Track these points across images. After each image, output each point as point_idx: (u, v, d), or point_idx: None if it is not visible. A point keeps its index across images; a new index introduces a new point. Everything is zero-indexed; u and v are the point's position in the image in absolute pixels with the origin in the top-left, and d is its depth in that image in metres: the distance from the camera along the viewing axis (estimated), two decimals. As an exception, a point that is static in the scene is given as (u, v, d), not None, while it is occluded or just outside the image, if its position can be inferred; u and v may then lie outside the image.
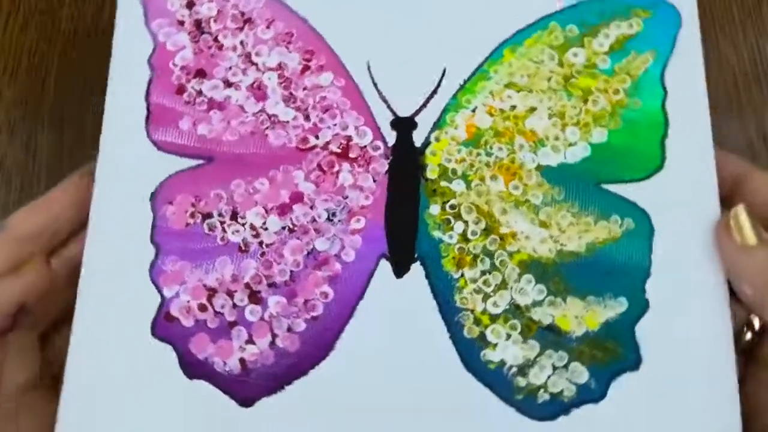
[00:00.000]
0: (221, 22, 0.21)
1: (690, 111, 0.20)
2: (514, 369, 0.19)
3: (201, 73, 0.21)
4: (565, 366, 0.19)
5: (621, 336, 0.19)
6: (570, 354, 0.19)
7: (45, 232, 0.19)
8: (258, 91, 0.21)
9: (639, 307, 0.19)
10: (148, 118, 0.20)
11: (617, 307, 0.19)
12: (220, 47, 0.21)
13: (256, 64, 0.21)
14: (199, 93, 0.21)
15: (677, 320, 0.19)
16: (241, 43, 0.21)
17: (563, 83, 0.21)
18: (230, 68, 0.21)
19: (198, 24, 0.21)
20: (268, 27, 0.21)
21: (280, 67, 0.21)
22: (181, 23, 0.21)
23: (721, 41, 0.27)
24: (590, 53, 0.21)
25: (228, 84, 0.21)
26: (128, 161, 0.20)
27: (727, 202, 0.20)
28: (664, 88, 0.21)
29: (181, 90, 0.21)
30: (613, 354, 0.19)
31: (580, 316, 0.19)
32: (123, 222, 0.20)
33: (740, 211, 0.19)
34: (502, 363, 0.19)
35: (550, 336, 0.19)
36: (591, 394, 0.19)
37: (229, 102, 0.21)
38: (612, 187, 0.20)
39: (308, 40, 0.21)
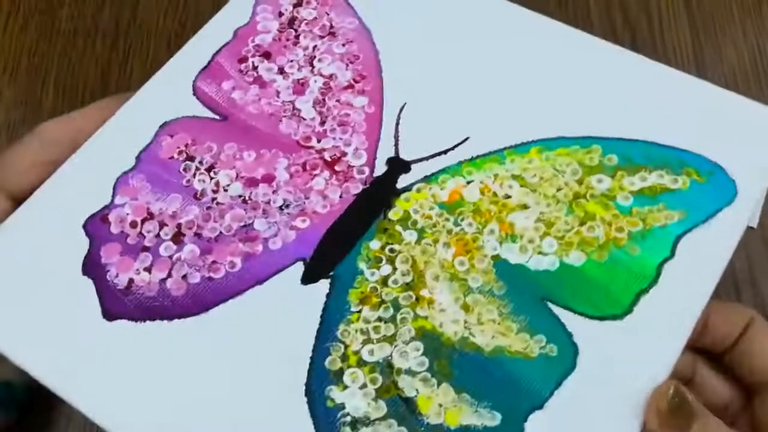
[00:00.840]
0: (311, 26, 0.39)
1: (689, 287, 0.30)
2: (348, 418, 0.30)
3: (266, 55, 0.41)
4: None
5: None
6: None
7: (66, 140, 0.36)
8: (300, 86, 0.40)
9: (510, 430, 0.31)
10: (204, 68, 0.38)
11: (488, 419, 0.30)
12: (296, 43, 0.40)
13: (313, 67, 0.40)
14: (255, 68, 0.41)
15: None
16: (314, 47, 0.39)
17: (570, 199, 0.33)
18: (291, 61, 0.40)
19: (292, 21, 0.39)
20: (343, 45, 0.38)
21: (331, 77, 0.38)
22: (281, 14, 0.40)
23: (721, 41, 0.36)
24: (616, 185, 0.33)
25: (281, 71, 0.41)
26: (162, 95, 0.37)
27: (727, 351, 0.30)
28: (673, 252, 0.32)
29: (243, 60, 0.40)
30: None
31: (445, 406, 0.32)
32: (123, 138, 0.35)
33: (681, 390, 0.28)
34: (341, 406, 0.30)
35: (402, 409, 0.31)
36: None
37: (271, 84, 0.40)
38: (559, 311, 0.32)
39: (368, 68, 0.37)
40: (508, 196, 0.33)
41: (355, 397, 0.30)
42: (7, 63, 0.47)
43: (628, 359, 0.29)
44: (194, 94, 0.36)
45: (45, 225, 0.33)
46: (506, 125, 0.35)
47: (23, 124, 0.45)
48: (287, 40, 0.37)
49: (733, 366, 0.31)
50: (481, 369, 0.30)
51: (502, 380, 0.29)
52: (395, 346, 0.30)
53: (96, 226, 0.34)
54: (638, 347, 0.29)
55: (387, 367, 0.30)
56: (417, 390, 0.29)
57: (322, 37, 0.37)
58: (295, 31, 0.38)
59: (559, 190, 0.32)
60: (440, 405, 0.29)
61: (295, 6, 0.38)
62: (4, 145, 0.46)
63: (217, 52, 0.38)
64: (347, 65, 0.37)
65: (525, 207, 0.32)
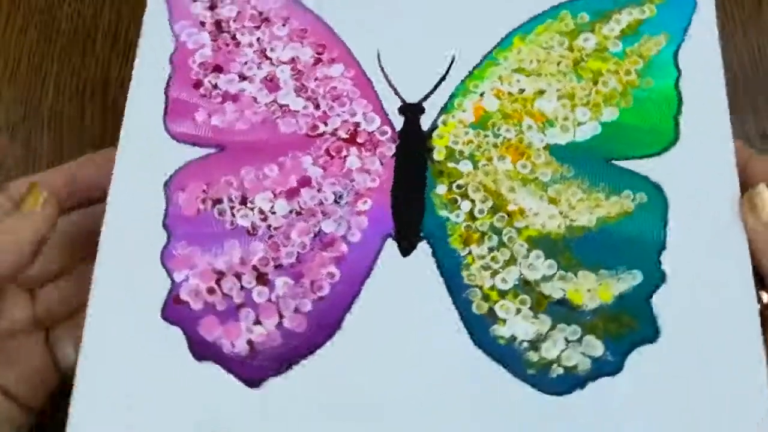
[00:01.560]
0: (240, 21, 0.37)
1: (705, 89, 0.33)
2: (526, 344, 0.32)
3: (218, 69, 0.38)
4: (579, 340, 0.31)
5: (636, 308, 0.32)
6: (583, 328, 0.31)
7: (64, 186, 0.34)
8: (270, 83, 0.38)
9: (654, 279, 0.32)
10: (166, 111, 0.36)
11: (630, 279, 0.33)
12: (237, 44, 0.37)
13: (270, 59, 0.37)
14: (215, 86, 0.38)
15: (697, 291, 0.31)
16: (258, 40, 0.36)
17: (573, 67, 0.35)
18: (246, 63, 0.38)
19: (218, 24, 0.37)
20: (283, 24, 0.37)
21: (293, 60, 0.36)
22: (203, 24, 0.37)
23: (722, 41, 0.43)
24: (601, 38, 0.35)
25: (243, 77, 0.38)
26: (145, 152, 0.34)
27: None
28: (678, 68, 0.34)
29: (198, 84, 0.37)
30: (628, 326, 0.33)
31: (593, 289, 0.34)
32: (138, 209, 0.33)
33: (762, 190, 0.31)
34: (513, 338, 0.32)
35: (562, 310, 0.32)
36: (607, 367, 0.31)
37: (242, 94, 0.38)
38: (624, 164, 0.34)
39: (321, 35, 0.37)
40: (522, 90, 0.35)
41: (517, 323, 0.32)
42: (7, 63, 0.47)
43: (701, 172, 0.33)
44: (174, 139, 0.34)
45: (121, 337, 0.32)
46: (477, 29, 0.36)
47: (23, 124, 0.44)
48: (227, 45, 0.36)
49: None
50: (599, 244, 0.32)
51: (621, 243, 0.32)
52: (519, 264, 0.32)
53: (175, 311, 0.32)
54: (701, 162, 0.33)
55: (525, 284, 0.32)
56: (562, 289, 0.32)
57: (258, 27, 0.37)
58: (229, 33, 0.37)
59: (558, 63, 0.35)
60: (589, 290, 0.32)
61: (211, 9, 0.37)
62: (4, 145, 0.45)
63: (167, 88, 0.36)
64: (301, 42, 0.36)
65: (542, 92, 0.34)
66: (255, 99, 0.35)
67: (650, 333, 0.31)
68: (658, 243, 0.32)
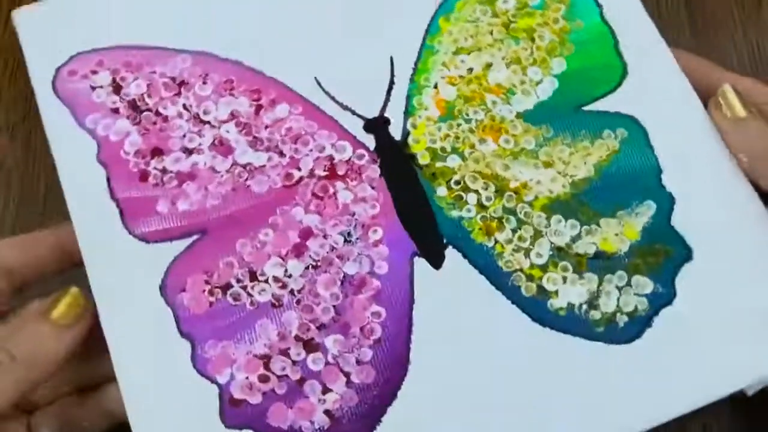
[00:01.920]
0: (155, 94, 0.34)
1: (627, 14, 0.35)
2: (585, 306, 0.33)
3: (157, 152, 0.36)
4: (628, 283, 0.32)
5: (663, 234, 0.33)
6: (627, 270, 0.33)
7: (27, 266, 0.31)
8: (221, 146, 0.36)
9: (666, 202, 0.33)
10: (122, 215, 0.32)
11: (647, 210, 0.34)
12: (165, 119, 0.34)
13: (208, 122, 0.35)
14: (164, 171, 0.35)
15: (706, 200, 0.33)
16: (184, 107, 0.34)
17: (505, 31, 0.35)
18: (184, 136, 0.36)
19: (133, 105, 0.34)
20: (204, 82, 0.34)
21: (233, 116, 0.34)
22: (116, 111, 0.34)
23: (721, 41, 0.41)
24: None
25: (188, 152, 0.36)
26: (121, 266, 0.31)
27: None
28: (597, 3, 0.36)
29: (144, 176, 0.35)
30: (664, 254, 0.35)
31: (619, 232, 0.35)
32: (143, 328, 0.30)
33: (727, 89, 0.33)
34: (571, 306, 0.32)
35: (602, 262, 0.34)
36: (663, 298, 0.32)
37: (197, 169, 0.35)
38: (591, 107, 0.36)
39: (250, 80, 0.34)
40: (470, 69, 0.35)
41: (568, 291, 0.32)
42: (7, 63, 0.46)
43: (659, 91, 0.35)
44: (145, 241, 0.32)
45: None
46: (400, 21, 0.36)
47: (23, 124, 0.42)
48: (154, 124, 0.33)
49: None
50: (603, 189, 0.34)
51: (623, 180, 0.34)
52: (546, 235, 0.33)
53: (237, 414, 0.30)
54: (655, 82, 0.35)
55: (558, 251, 0.33)
56: (594, 243, 0.33)
57: (178, 94, 0.34)
58: (149, 110, 0.34)
59: (491, 33, 0.35)
60: (616, 234, 0.33)
61: (116, 91, 0.34)
62: (5, 145, 0.42)
63: (111, 190, 0.33)
64: (232, 94, 0.34)
65: (489, 65, 0.35)
66: (213, 169, 0.32)
67: (684, 252, 0.32)
68: (654, 168, 0.34)
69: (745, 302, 0.32)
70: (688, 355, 0.31)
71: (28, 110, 0.44)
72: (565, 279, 0.31)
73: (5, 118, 0.44)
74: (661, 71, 0.35)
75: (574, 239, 0.32)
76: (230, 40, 0.34)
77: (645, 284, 0.32)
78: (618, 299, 0.32)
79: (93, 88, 0.33)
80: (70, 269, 0.32)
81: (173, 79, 0.33)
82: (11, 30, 0.41)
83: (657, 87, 0.34)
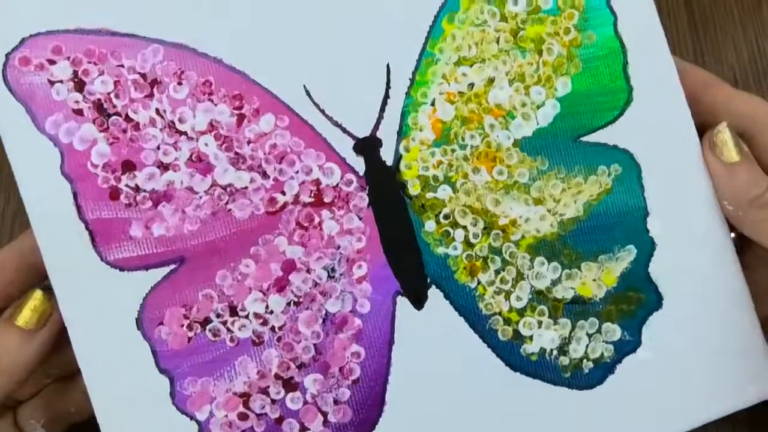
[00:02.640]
0: (124, 95, 0.30)
1: (643, 30, 0.33)
2: (555, 352, 0.33)
3: (128, 165, 0.32)
4: (598, 330, 0.33)
5: (638, 282, 0.33)
6: (599, 317, 0.33)
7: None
8: (199, 163, 0.33)
9: (647, 248, 0.33)
10: (92, 239, 0.30)
11: (627, 256, 0.34)
12: (136, 126, 0.30)
13: (185, 133, 0.31)
14: (137, 189, 0.32)
15: (683, 248, 0.33)
16: (157, 112, 0.31)
17: (513, 40, 0.32)
18: (158, 147, 0.31)
19: (99, 106, 0.30)
20: (179, 83, 0.30)
21: (212, 126, 0.31)
22: (79, 112, 0.30)
23: (721, 41, 0.38)
24: None
25: (164, 167, 0.33)
26: (95, 296, 0.29)
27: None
28: (613, 12, 0.33)
29: (115, 194, 0.31)
30: (636, 302, 0.35)
31: (598, 277, 0.35)
32: (119, 363, 0.29)
33: (723, 130, 0.32)
34: (542, 351, 0.33)
35: (577, 308, 0.34)
36: (628, 346, 0.33)
37: (173, 188, 0.32)
38: (589, 138, 0.33)
39: (230, 83, 0.30)
40: (471, 85, 0.32)
41: (542, 336, 0.33)
42: None
43: (660, 124, 0.33)
44: (118, 269, 0.30)
45: None
46: (400, 24, 0.32)
47: None
48: (123, 131, 0.30)
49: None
50: (591, 231, 0.33)
51: (609, 223, 0.33)
52: (527, 278, 0.33)
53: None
54: (658, 115, 0.33)
55: (537, 295, 0.33)
56: (572, 288, 0.33)
57: (150, 96, 0.30)
58: (118, 115, 0.30)
59: (498, 41, 0.32)
60: (594, 280, 0.33)
61: (79, 89, 0.30)
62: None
63: (80, 210, 0.30)
64: (210, 100, 0.31)
65: (491, 81, 0.32)
66: (191, 189, 0.30)
67: (654, 301, 0.33)
68: (641, 210, 0.33)
69: (707, 349, 0.33)
70: (648, 400, 0.32)
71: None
72: (540, 323, 0.32)
73: None
74: (666, 101, 0.33)
75: (555, 283, 0.32)
76: (210, 33, 0.30)
77: (614, 332, 0.33)
78: (587, 346, 0.33)
79: (51, 83, 0.29)
80: (39, 282, 0.31)
81: (143, 76, 0.29)
82: None
83: (659, 119, 0.33)
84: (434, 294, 0.32)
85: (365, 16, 0.31)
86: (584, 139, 0.33)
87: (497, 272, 0.32)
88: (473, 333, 0.32)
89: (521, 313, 0.32)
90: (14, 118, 0.29)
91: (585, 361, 0.33)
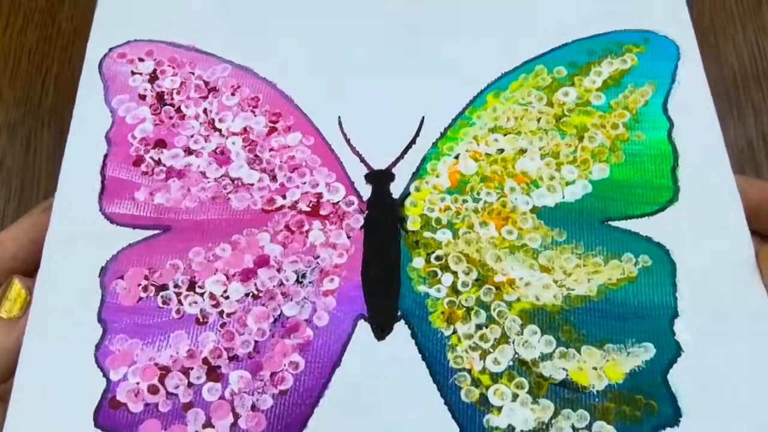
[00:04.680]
0: (184, 92, 0.34)
1: (701, 141, 0.30)
2: None
3: (161, 143, 0.35)
4: (588, 427, 0.27)
5: (652, 387, 0.27)
6: (592, 412, 0.27)
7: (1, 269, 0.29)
8: (221, 156, 0.34)
9: (669, 351, 0.28)
10: (102, 192, 0.32)
11: (642, 353, 0.29)
12: (182, 117, 0.34)
13: (219, 130, 0.33)
14: (158, 162, 0.34)
15: (721, 362, 0.27)
16: (204, 111, 0.33)
17: (554, 123, 0.32)
18: (192, 136, 0.35)
19: (160, 97, 0.34)
20: (233, 94, 0.34)
21: (245, 131, 0.33)
22: (143, 97, 0.34)
23: (721, 41, 0.38)
24: (582, 91, 0.32)
25: (189, 152, 0.35)
26: (77, 235, 0.30)
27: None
28: (669, 119, 0.31)
29: (139, 161, 0.34)
30: (645, 408, 0.29)
31: (599, 367, 0.29)
32: (69, 300, 0.29)
33: None
34: (511, 429, 0.27)
35: (566, 393, 0.28)
36: None
37: (189, 169, 0.34)
38: (622, 224, 0.31)
39: (275, 103, 0.33)
40: (501, 150, 0.31)
41: (515, 412, 0.27)
42: (7, 63, 0.47)
43: (708, 231, 0.30)
44: (111, 221, 0.30)
45: None
46: (446, 87, 0.33)
47: (23, 124, 0.44)
48: (170, 118, 0.32)
49: None
50: (602, 314, 0.28)
51: (627, 313, 0.28)
52: (513, 342, 0.28)
53: (111, 417, 0.28)
54: (706, 218, 0.30)
55: (521, 365, 0.28)
56: (564, 369, 0.28)
57: (204, 98, 0.33)
58: (172, 105, 0.33)
59: (538, 120, 0.31)
60: (594, 368, 0.28)
61: (152, 81, 0.33)
62: (4, 145, 0.44)
63: (103, 168, 0.31)
64: (253, 111, 0.32)
65: (523, 151, 0.30)
66: (203, 174, 0.30)
67: (670, 414, 0.27)
68: (669, 309, 0.28)
69: None
70: None
71: (28, 110, 0.45)
72: (515, 397, 0.26)
73: (5, 118, 0.46)
74: (716, 208, 0.29)
75: (544, 358, 0.27)
76: (273, 61, 0.34)
77: None
78: None
79: (132, 73, 0.33)
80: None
81: (206, 83, 0.33)
82: (11, 30, 0.44)
83: (706, 224, 0.29)
84: (401, 329, 0.29)
85: (415, 69, 0.33)
86: (614, 223, 0.30)
87: (479, 327, 0.28)
88: (432, 383, 0.28)
89: (495, 378, 0.28)
90: (93, 91, 0.34)
91: None
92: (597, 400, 0.27)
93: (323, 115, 0.33)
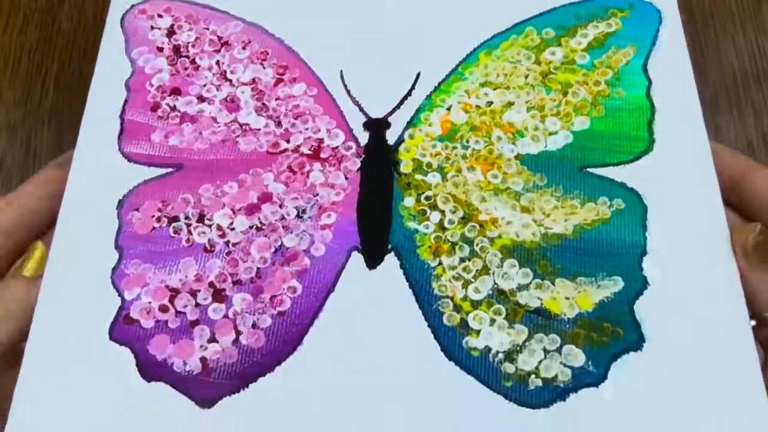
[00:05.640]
0: (199, 46, 0.37)
1: (677, 98, 0.33)
2: (501, 355, 0.30)
3: (176, 91, 0.38)
4: (558, 350, 0.30)
5: (619, 315, 0.30)
6: (562, 336, 0.30)
7: (21, 226, 0.33)
8: (231, 103, 0.37)
9: (637, 284, 0.30)
10: (121, 133, 0.34)
11: (612, 286, 0.32)
12: (197, 68, 0.37)
13: (230, 80, 0.36)
14: (173, 108, 0.37)
15: (683, 296, 0.29)
16: (217, 63, 0.36)
17: (541, 79, 0.34)
18: (205, 85, 0.38)
19: (177, 49, 0.37)
20: (244, 48, 0.36)
21: (254, 81, 0.35)
22: (161, 49, 0.37)
23: (721, 41, 0.39)
24: (568, 51, 0.35)
25: (202, 99, 0.38)
26: (98, 172, 0.33)
27: (726, 199, 0.30)
28: (648, 78, 0.34)
29: (156, 107, 0.37)
30: (611, 334, 0.32)
31: (572, 297, 0.32)
32: (89, 229, 0.31)
33: (756, 232, 0.30)
34: (487, 349, 0.30)
35: (539, 319, 0.31)
36: (589, 378, 0.29)
37: (201, 115, 0.37)
38: (599, 171, 0.33)
39: (283, 56, 0.36)
40: (490, 103, 0.33)
41: (492, 335, 0.30)
42: (7, 63, 0.48)
43: (678, 181, 0.32)
44: (129, 160, 0.33)
45: (65, 358, 0.30)
46: (442, 47, 0.36)
47: (23, 124, 0.45)
48: (185, 69, 0.35)
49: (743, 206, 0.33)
50: (576, 251, 0.31)
51: (599, 250, 0.31)
52: (493, 274, 0.30)
53: (125, 331, 0.30)
54: (678, 167, 0.32)
55: (499, 294, 0.30)
56: (539, 298, 0.30)
57: (217, 51, 0.36)
58: (187, 57, 0.36)
59: (526, 77, 0.34)
60: (567, 298, 0.30)
61: (169, 35, 0.36)
62: (4, 145, 0.45)
63: (123, 112, 0.34)
64: (262, 64, 0.35)
65: (510, 104, 0.33)
66: (214, 119, 0.33)
67: (634, 340, 0.29)
68: (638, 248, 0.31)
69: (688, 411, 0.28)
70: None
71: (28, 110, 0.47)
72: (492, 322, 0.29)
73: (5, 118, 0.47)
74: (688, 159, 0.32)
75: (521, 288, 0.30)
76: (282, 19, 0.36)
77: (576, 356, 0.29)
78: (540, 361, 0.29)
79: (152, 28, 0.36)
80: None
81: (220, 38, 0.36)
82: (11, 30, 0.45)
83: (678, 173, 0.32)
84: (391, 261, 0.31)
85: (413, 29, 0.36)
86: (592, 170, 0.32)
87: (462, 260, 0.31)
88: (418, 309, 0.30)
89: (475, 305, 0.30)
90: (115, 44, 0.37)
91: (533, 376, 0.29)
92: (568, 326, 0.29)
93: (327, 69, 0.35)
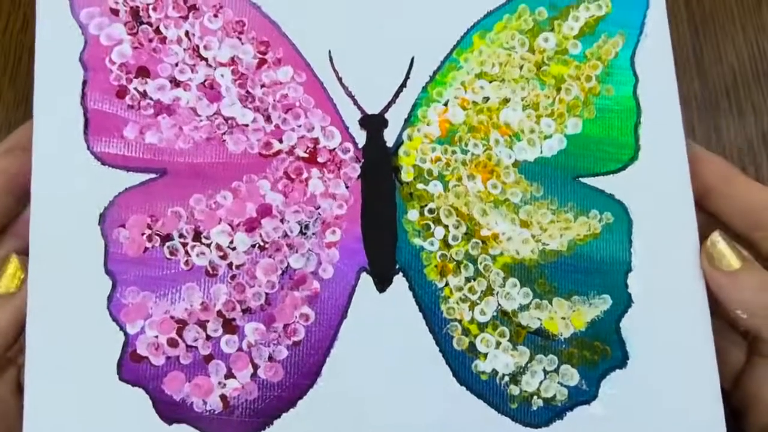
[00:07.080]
0: (161, 10, 0.31)
1: (660, 97, 0.34)
2: (507, 378, 0.32)
3: (143, 72, 0.33)
4: (556, 370, 0.32)
5: (607, 334, 0.32)
6: (560, 357, 0.32)
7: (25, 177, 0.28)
8: (210, 90, 0.33)
9: (622, 302, 0.33)
10: (86, 126, 0.30)
11: (601, 304, 0.34)
12: (163, 40, 0.31)
13: (206, 59, 0.32)
14: (144, 95, 0.32)
15: (659, 313, 0.32)
16: (186, 34, 0.32)
17: (535, 71, 0.34)
18: (176, 64, 0.32)
19: (135, 13, 0.31)
20: (215, 15, 0.32)
21: (233, 61, 0.32)
22: (115, 12, 0.31)
23: (721, 41, 0.39)
24: (561, 38, 0.34)
25: (176, 83, 0.33)
26: (68, 179, 0.29)
27: (700, 204, 0.33)
28: (635, 74, 0.34)
29: (122, 93, 0.32)
30: (601, 353, 0.35)
31: (567, 317, 0.34)
32: (70, 250, 0.29)
33: (716, 240, 0.32)
34: (494, 373, 0.32)
35: (539, 340, 0.33)
36: (583, 396, 0.32)
37: (178, 104, 0.33)
38: (588, 180, 0.34)
39: (262, 29, 0.32)
40: (486, 99, 0.33)
41: (498, 357, 0.32)
42: (7, 63, 0.47)
43: (660, 188, 0.34)
44: (101, 162, 0.30)
45: (72, 406, 0.29)
46: (435, 27, 0.34)
47: (23, 124, 0.41)
48: (150, 41, 0.31)
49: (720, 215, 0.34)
50: (571, 269, 0.33)
51: (591, 266, 0.33)
52: (496, 294, 0.32)
53: (134, 370, 0.29)
54: (659, 178, 0.34)
55: (503, 315, 0.32)
56: (539, 318, 0.32)
57: (185, 18, 0.32)
58: (150, 24, 0.31)
59: (521, 68, 0.33)
60: (563, 318, 0.32)
61: None
62: None
63: (82, 98, 0.30)
64: (239, 38, 0.32)
65: (506, 101, 0.33)
66: (194, 111, 0.30)
67: (620, 358, 0.32)
68: (624, 264, 0.33)
69: (664, 421, 0.32)
70: None
71: (28, 110, 0.42)
72: (498, 344, 0.31)
73: (5, 118, 0.45)
74: (669, 169, 0.34)
75: (522, 308, 0.32)
76: None
77: (572, 376, 0.32)
78: (541, 382, 0.31)
79: (99, -20, 0.30)
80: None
81: (185, 0, 0.30)
82: (11, 30, 0.42)
83: (659, 183, 0.33)
84: (399, 282, 0.31)
85: (404, 7, 0.33)
86: (584, 180, 0.33)
87: (467, 280, 0.32)
88: (428, 332, 0.31)
89: (482, 327, 0.31)
90: (55, 1, 0.30)
91: (535, 397, 0.31)
92: (564, 346, 0.32)
93: (311, 48, 0.32)
